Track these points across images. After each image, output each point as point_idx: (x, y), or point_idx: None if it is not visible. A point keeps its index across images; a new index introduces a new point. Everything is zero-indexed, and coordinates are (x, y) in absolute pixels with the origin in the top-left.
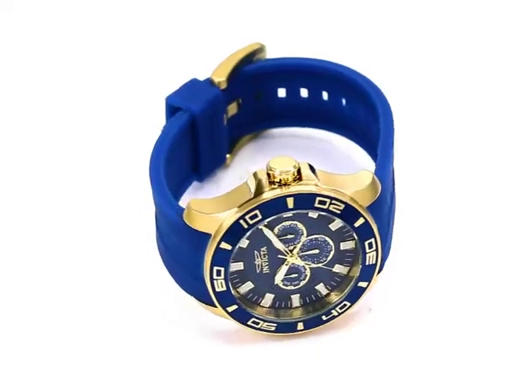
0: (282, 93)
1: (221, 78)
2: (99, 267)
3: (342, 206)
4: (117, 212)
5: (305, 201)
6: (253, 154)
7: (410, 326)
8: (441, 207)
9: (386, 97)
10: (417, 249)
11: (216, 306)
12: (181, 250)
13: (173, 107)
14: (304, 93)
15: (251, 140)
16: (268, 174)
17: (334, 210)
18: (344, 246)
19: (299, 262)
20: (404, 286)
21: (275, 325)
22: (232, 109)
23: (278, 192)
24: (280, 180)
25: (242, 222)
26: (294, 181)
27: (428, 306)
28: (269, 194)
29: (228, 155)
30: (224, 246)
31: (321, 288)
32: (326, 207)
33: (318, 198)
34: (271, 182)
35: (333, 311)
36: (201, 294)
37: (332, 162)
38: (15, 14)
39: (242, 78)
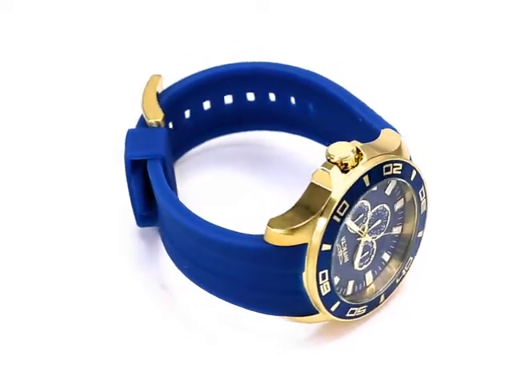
0: (187, 114)
1: (159, 118)
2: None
3: (400, 165)
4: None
5: (376, 174)
6: (186, 177)
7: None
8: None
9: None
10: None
11: (314, 313)
12: (267, 274)
13: (136, 162)
14: (207, 105)
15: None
16: (336, 164)
17: (396, 172)
18: (396, 206)
19: (368, 239)
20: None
21: (366, 306)
22: None
23: (356, 175)
24: (346, 164)
25: (335, 217)
26: (357, 160)
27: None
28: (349, 181)
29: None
30: (325, 247)
31: (384, 256)
32: (390, 173)
33: (384, 167)
34: (343, 170)
35: (402, 271)
36: (294, 309)
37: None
38: (15, 14)
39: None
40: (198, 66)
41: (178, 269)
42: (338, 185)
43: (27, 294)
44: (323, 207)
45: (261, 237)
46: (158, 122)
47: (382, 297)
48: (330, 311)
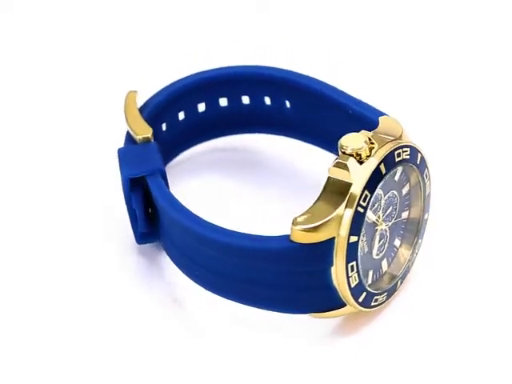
0: (164, 127)
1: (148, 134)
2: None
3: (408, 149)
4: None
5: (389, 160)
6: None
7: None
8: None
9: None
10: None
11: (338, 307)
12: (293, 273)
13: (134, 180)
14: (181, 115)
15: None
16: (351, 155)
17: (406, 157)
18: (403, 191)
19: (383, 227)
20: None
21: (386, 293)
22: None
23: (373, 164)
24: (360, 155)
25: (359, 208)
26: (370, 150)
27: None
28: (367, 171)
29: None
30: (352, 239)
31: (396, 242)
32: (401, 158)
33: (395, 153)
34: (360, 161)
35: (414, 255)
36: (319, 305)
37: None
38: (15, 14)
39: None
40: (198, 66)
41: (197, 283)
42: (357, 176)
43: (27, 301)
44: (346, 200)
45: (286, 237)
46: (147, 138)
47: (399, 282)
48: (358, 302)
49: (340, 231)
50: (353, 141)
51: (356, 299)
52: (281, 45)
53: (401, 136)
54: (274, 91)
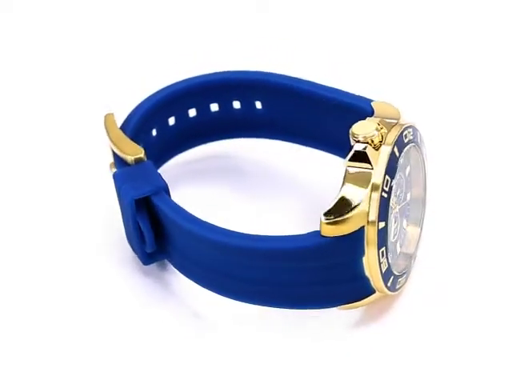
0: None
1: (140, 154)
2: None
3: (411, 130)
4: None
5: (400, 143)
6: None
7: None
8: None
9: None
10: None
11: (366, 296)
12: (324, 269)
13: (140, 199)
14: (154, 132)
15: None
16: (367, 143)
17: (410, 137)
18: (406, 172)
19: (397, 210)
20: None
21: (405, 274)
22: None
23: (388, 149)
24: (373, 141)
25: (383, 194)
26: (382, 135)
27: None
28: (385, 156)
29: None
30: (381, 225)
31: (404, 223)
32: (408, 139)
33: (403, 135)
34: (375, 148)
35: (421, 233)
36: (349, 296)
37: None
38: (15, 14)
39: None
40: (199, 67)
41: (217, 292)
42: (376, 162)
43: (36, 327)
44: (370, 187)
45: (316, 233)
46: (140, 158)
47: (412, 262)
48: (387, 287)
49: (369, 219)
50: (364, 128)
51: (386, 284)
52: (281, 45)
53: (399, 117)
54: (241, 94)
